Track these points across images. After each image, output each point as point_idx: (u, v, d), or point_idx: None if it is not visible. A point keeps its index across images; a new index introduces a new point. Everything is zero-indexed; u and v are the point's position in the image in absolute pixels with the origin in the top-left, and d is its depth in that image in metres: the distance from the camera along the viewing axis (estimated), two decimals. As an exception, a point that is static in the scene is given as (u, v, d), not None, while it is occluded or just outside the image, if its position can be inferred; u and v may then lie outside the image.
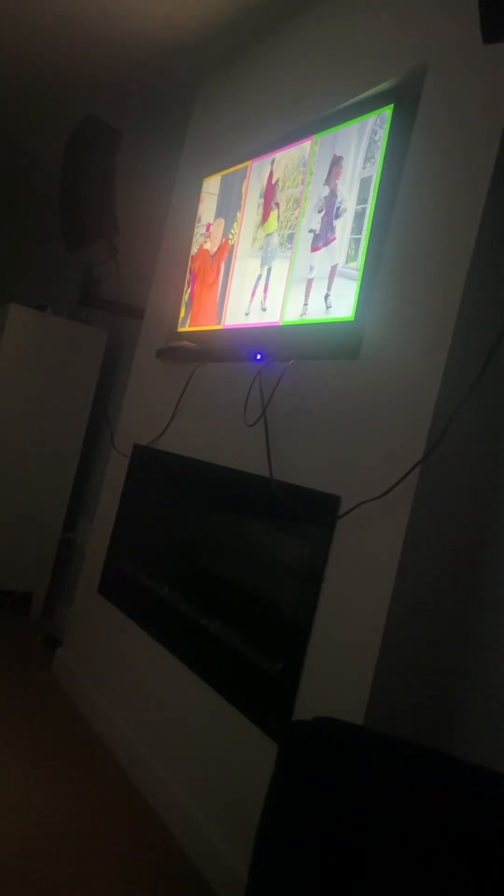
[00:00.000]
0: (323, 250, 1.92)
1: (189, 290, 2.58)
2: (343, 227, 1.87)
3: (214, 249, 2.47)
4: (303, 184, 2.06)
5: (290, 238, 2.06)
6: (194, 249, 2.61)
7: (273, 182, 2.20)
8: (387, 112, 1.80)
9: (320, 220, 1.95)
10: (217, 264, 2.43)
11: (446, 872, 1.01)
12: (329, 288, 1.87)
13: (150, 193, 3.45)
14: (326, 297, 1.87)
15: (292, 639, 1.70)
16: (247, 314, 2.21)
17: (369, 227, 1.78)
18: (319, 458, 1.76)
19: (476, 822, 1.03)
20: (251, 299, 2.20)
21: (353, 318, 1.77)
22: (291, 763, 1.12)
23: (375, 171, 1.79)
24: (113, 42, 2.68)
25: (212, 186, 2.56)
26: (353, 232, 1.83)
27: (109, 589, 2.61)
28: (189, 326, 2.54)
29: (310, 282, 1.95)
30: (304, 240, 2.00)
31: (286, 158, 2.16)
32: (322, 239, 1.93)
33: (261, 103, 2.44)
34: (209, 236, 2.52)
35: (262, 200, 2.24)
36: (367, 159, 1.83)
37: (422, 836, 1.03)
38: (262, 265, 2.19)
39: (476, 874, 1.00)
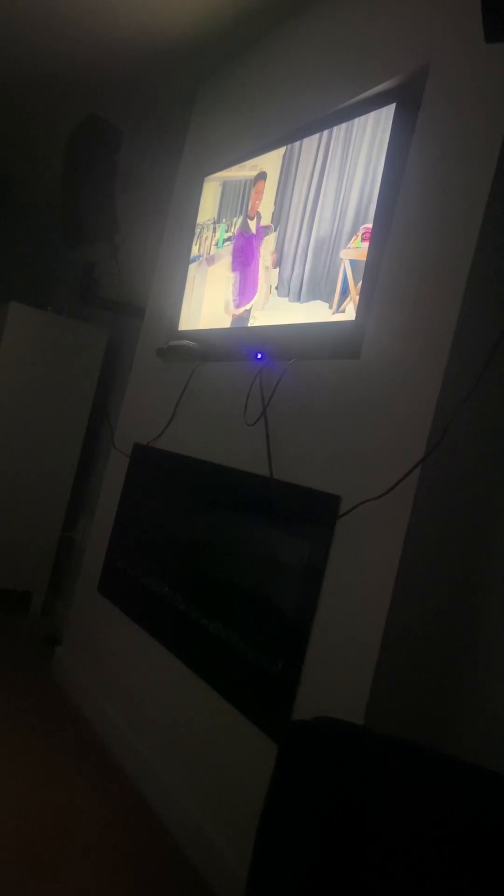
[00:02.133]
0: (324, 248, 1.92)
1: (192, 289, 2.58)
2: (344, 225, 1.86)
3: (219, 249, 2.47)
4: (304, 183, 2.05)
5: (290, 237, 2.06)
6: (201, 249, 2.61)
7: (273, 182, 2.19)
8: (389, 111, 1.79)
9: (322, 218, 1.95)
10: (223, 264, 2.43)
11: (446, 871, 1.00)
12: (330, 287, 1.87)
13: (150, 192, 3.45)
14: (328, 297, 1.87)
15: (292, 638, 1.69)
16: (248, 314, 2.20)
17: (371, 226, 1.77)
18: (320, 457, 1.76)
19: (476, 822, 1.03)
20: (248, 300, 2.20)
21: (354, 318, 1.77)
22: (291, 763, 1.12)
23: (377, 171, 1.79)
24: (114, 41, 2.67)
25: (213, 185, 2.56)
26: (354, 230, 1.83)
27: (109, 588, 2.61)
28: (190, 325, 2.54)
29: (309, 278, 1.94)
30: (304, 238, 2.00)
31: (287, 158, 2.15)
32: (323, 235, 1.93)
33: (261, 103, 2.44)
34: (215, 236, 2.51)
35: (261, 201, 2.24)
36: (369, 158, 1.83)
37: (421, 836, 1.03)
38: (244, 267, 2.19)
39: (476, 873, 1.00)
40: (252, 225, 2.25)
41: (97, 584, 2.67)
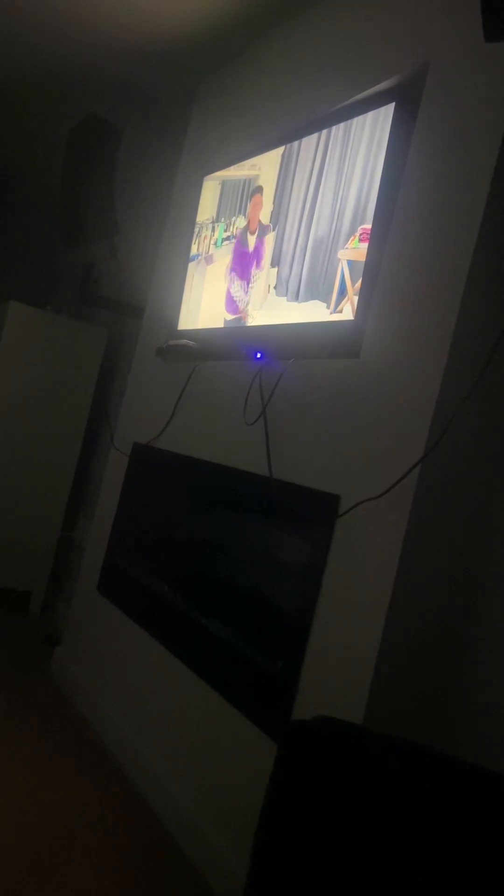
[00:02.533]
0: (322, 248, 1.92)
1: (193, 288, 2.58)
2: (342, 225, 1.86)
3: (218, 248, 2.46)
4: (303, 183, 2.05)
5: (289, 237, 2.06)
6: (200, 248, 2.61)
7: (273, 181, 2.19)
8: (388, 111, 1.79)
9: (321, 218, 1.95)
10: (221, 263, 2.43)
11: (446, 872, 1.00)
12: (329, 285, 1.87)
13: (150, 192, 3.45)
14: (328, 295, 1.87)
15: (292, 638, 1.69)
16: (247, 313, 2.20)
17: (371, 225, 1.77)
18: (319, 456, 1.76)
19: (476, 822, 1.03)
20: (247, 300, 2.20)
21: (353, 317, 1.77)
22: (291, 763, 1.12)
23: (376, 170, 1.79)
24: (114, 41, 2.67)
25: (213, 184, 2.56)
26: (351, 231, 1.82)
27: (108, 588, 2.61)
28: (189, 325, 2.54)
29: (307, 278, 1.94)
30: (302, 238, 2.00)
31: (286, 157, 2.15)
32: (321, 235, 1.93)
33: (261, 102, 2.44)
34: (213, 235, 2.51)
35: (261, 200, 2.24)
36: (367, 158, 1.83)
37: (421, 836, 1.02)
38: (241, 267, 2.19)
39: (476, 873, 0.99)
40: (252, 241, 2.24)
41: (97, 584, 2.67)
